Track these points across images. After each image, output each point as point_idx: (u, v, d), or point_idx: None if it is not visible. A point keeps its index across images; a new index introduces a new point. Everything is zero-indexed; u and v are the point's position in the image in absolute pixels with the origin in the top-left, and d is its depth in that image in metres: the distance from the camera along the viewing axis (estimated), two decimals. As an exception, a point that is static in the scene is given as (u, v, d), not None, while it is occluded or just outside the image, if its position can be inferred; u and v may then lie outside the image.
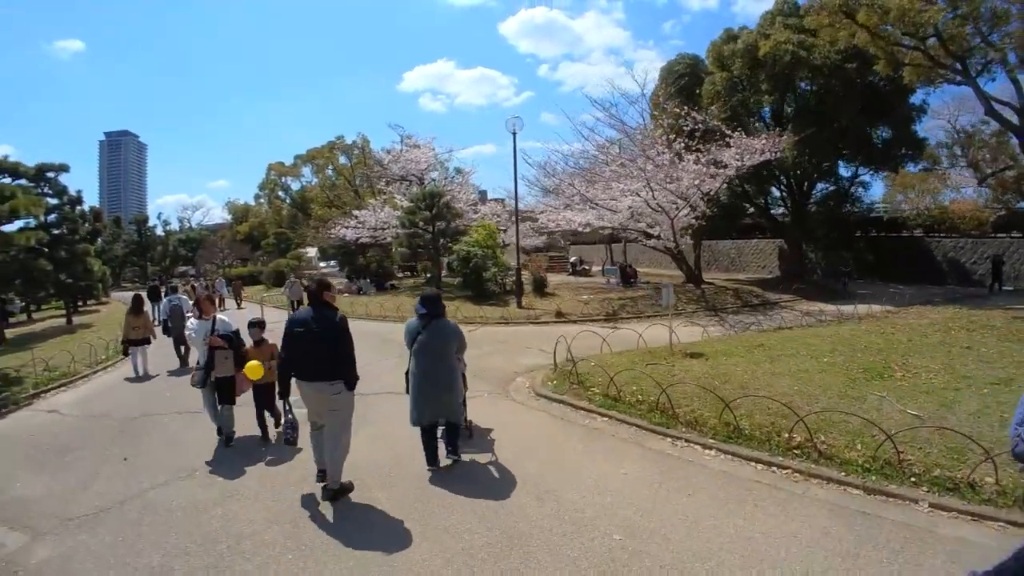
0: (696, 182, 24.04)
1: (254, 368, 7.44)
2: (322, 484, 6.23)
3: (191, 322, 8.48)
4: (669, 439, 7.56)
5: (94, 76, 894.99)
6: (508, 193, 33.48)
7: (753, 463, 6.63)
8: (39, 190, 24.09)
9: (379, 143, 59.73)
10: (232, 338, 8.21)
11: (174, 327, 14.28)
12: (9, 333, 22.82)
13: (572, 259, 42.69)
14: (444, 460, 6.92)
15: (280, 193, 76.53)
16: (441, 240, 30.84)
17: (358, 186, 55.16)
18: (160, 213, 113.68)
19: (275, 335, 7.74)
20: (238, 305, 29.73)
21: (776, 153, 24.32)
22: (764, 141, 23.99)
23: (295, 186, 75.47)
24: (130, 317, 13.84)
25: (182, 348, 14.21)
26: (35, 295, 30.25)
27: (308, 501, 6.25)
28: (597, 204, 27.10)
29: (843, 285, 27.44)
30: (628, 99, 26.78)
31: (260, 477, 7.11)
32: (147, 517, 6.15)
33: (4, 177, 20.47)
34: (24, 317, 32.11)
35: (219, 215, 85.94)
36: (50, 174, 25.26)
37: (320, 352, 5.81)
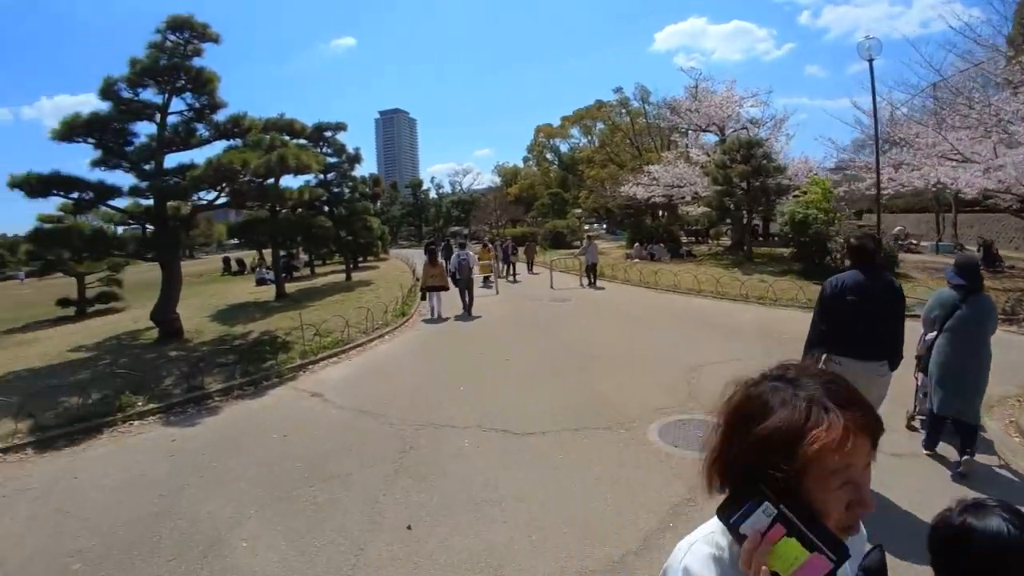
0: None
1: None
2: None
3: None
4: None
5: (366, 65, 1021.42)
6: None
7: None
8: (318, 148, 23.89)
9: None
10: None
11: (461, 278, 15.52)
12: (290, 287, 23.00)
13: (895, 230, 33.02)
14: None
15: (548, 155, 76.30)
16: (757, 200, 24.95)
17: (639, 142, 50.89)
18: (433, 177, 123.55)
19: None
20: (529, 269, 26.90)
21: None
22: None
23: (563, 147, 74.86)
24: (428, 267, 15.62)
25: (467, 296, 15.50)
26: (317, 251, 31.45)
27: None
28: (968, 158, 18.80)
29: None
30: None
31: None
32: None
33: (282, 135, 19.95)
34: (307, 272, 33.76)
35: (488, 179, 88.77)
36: (328, 133, 25.10)
37: (880, 326, 4.76)
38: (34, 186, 11.49)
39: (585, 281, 20.23)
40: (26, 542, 4.86)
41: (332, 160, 25.23)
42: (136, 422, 8.05)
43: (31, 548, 4.76)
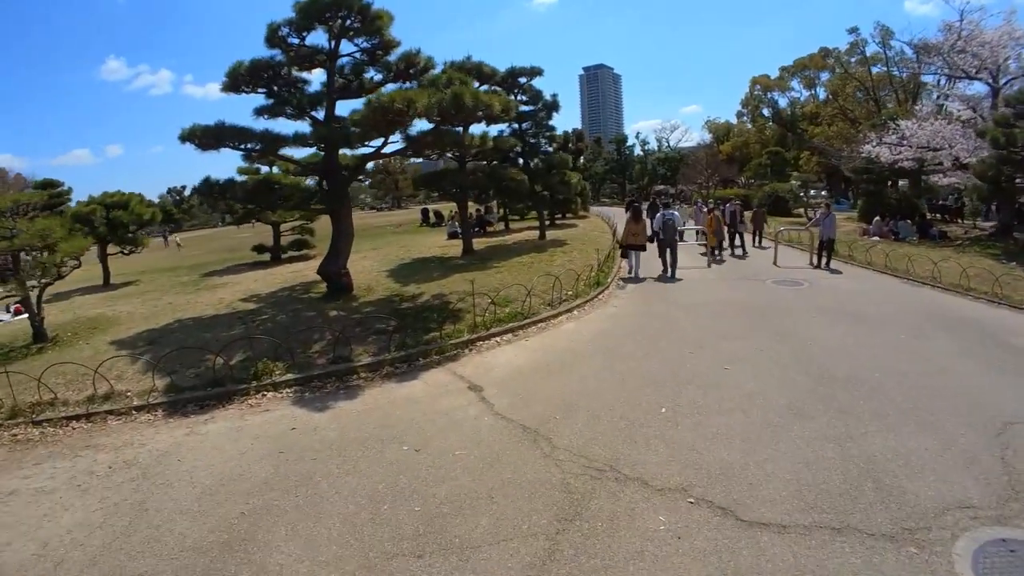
0: None
1: None
2: None
3: None
4: None
5: (568, 22, 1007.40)
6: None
7: None
8: (512, 96, 21.85)
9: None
10: None
11: (666, 238, 15.01)
12: (480, 243, 21.93)
13: None
14: None
15: (764, 110, 69.06)
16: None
17: (878, 94, 43.79)
18: (639, 133, 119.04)
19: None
20: (756, 241, 21.65)
21: None
22: None
23: (782, 102, 66.39)
24: (630, 224, 15.06)
25: (668, 256, 14.96)
26: (512, 205, 30.22)
27: None
28: None
29: None
30: None
31: None
32: None
33: (471, 80, 18.66)
34: (501, 227, 31.50)
35: (697, 137, 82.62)
36: (523, 79, 22.29)
37: None
38: (202, 138, 11.00)
39: (816, 260, 16.56)
40: (93, 539, 4.38)
41: (526, 108, 22.92)
42: (269, 394, 7.20)
43: (93, 551, 4.23)
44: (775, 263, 16.45)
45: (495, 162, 20.93)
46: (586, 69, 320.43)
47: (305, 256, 21.49)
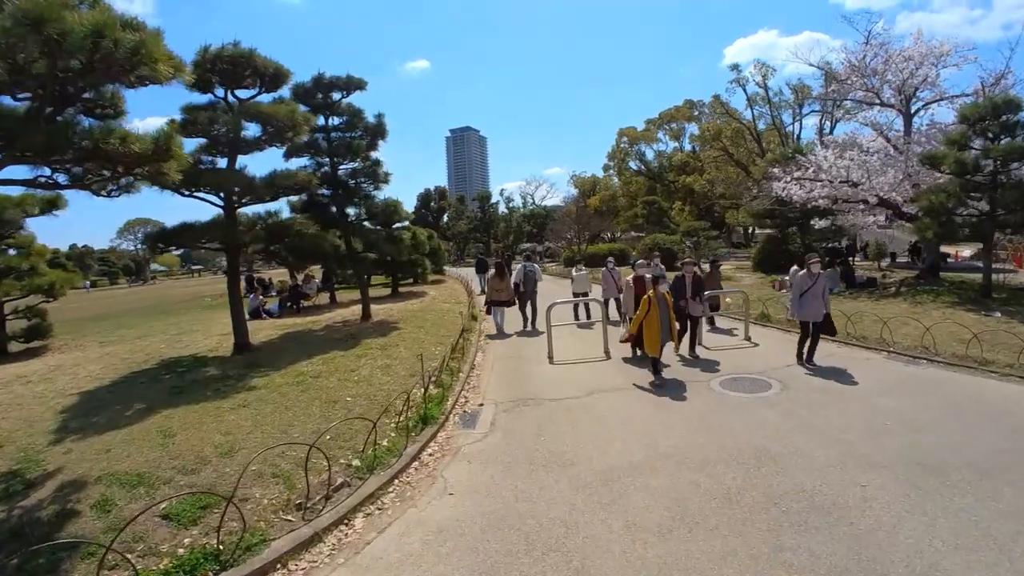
0: None
1: None
2: None
3: None
4: None
5: (438, 86, 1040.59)
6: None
7: None
8: (325, 119, 15.88)
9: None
10: None
11: (526, 291, 15.02)
12: (280, 327, 15.53)
13: None
14: None
15: (631, 163, 68.88)
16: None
17: (758, 134, 42.50)
18: (503, 190, 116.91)
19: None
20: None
21: None
22: None
23: (649, 153, 67.68)
24: (494, 281, 15.25)
25: (528, 309, 15.07)
26: (334, 273, 23.45)
27: None
28: None
29: None
30: None
31: None
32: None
33: (248, 84, 12.39)
34: (327, 300, 23.91)
35: (562, 194, 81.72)
36: (336, 94, 15.93)
37: None
38: None
39: (804, 354, 9.68)
40: None
41: (339, 135, 16.28)
42: None
43: None
44: (701, 341, 11.35)
45: (296, 213, 14.71)
46: (453, 131, 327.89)
47: (48, 348, 14.30)
